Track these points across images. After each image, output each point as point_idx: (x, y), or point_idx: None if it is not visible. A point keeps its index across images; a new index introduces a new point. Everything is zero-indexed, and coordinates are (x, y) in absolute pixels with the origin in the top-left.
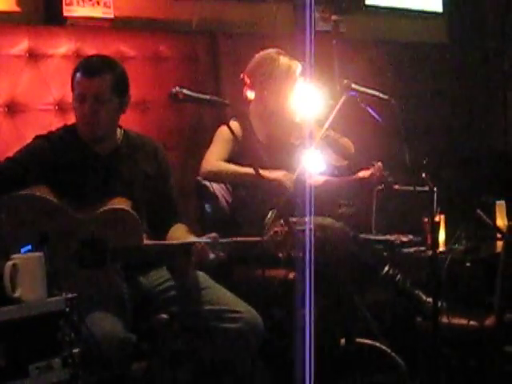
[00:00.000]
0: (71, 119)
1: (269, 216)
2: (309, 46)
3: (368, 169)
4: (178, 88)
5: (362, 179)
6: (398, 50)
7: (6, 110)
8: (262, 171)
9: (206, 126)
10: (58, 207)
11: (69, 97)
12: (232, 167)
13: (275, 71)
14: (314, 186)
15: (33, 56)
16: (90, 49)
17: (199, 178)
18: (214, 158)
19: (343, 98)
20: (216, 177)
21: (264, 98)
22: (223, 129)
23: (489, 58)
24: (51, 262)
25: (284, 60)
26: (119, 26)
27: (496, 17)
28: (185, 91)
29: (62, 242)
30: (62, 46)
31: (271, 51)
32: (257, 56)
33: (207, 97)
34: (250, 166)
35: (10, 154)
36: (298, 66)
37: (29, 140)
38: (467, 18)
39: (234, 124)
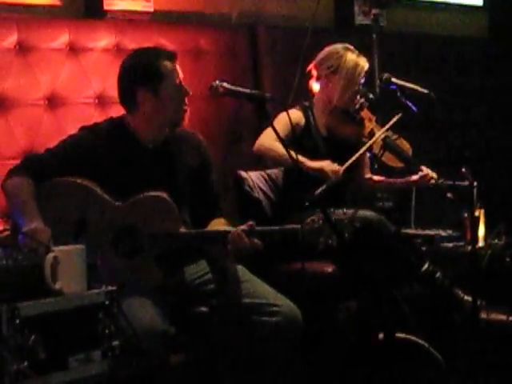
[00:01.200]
0: (111, 113)
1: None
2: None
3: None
4: (218, 82)
5: (412, 182)
6: (437, 44)
7: (47, 103)
8: (308, 161)
9: (245, 120)
10: (96, 194)
11: (109, 90)
12: (281, 149)
13: (341, 67)
14: (369, 185)
15: (73, 49)
16: (130, 42)
17: (253, 151)
18: (272, 138)
19: (398, 117)
20: (267, 153)
21: (326, 91)
22: (282, 115)
23: None
24: (89, 251)
25: (352, 56)
26: (159, 19)
27: None
28: (225, 85)
29: (99, 229)
30: (102, 40)
31: (339, 46)
32: (325, 49)
33: (247, 90)
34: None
35: (51, 146)
36: (365, 63)
37: (69, 133)
38: (508, 11)
39: (296, 113)
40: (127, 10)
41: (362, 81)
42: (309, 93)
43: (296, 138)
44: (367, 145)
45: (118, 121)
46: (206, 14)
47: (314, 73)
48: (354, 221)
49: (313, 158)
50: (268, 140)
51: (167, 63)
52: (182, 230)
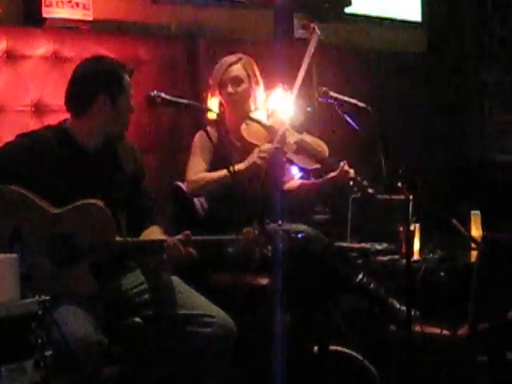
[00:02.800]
0: (48, 121)
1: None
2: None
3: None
4: (155, 92)
5: (332, 179)
6: (376, 59)
7: None
8: (236, 166)
9: (182, 130)
10: (32, 201)
11: (46, 98)
12: (209, 175)
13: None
14: (289, 190)
15: (11, 57)
16: (69, 51)
17: (187, 192)
18: (194, 172)
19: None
20: (200, 189)
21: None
22: (198, 137)
23: (466, 67)
24: (23, 259)
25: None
26: (98, 28)
27: (473, 26)
28: (163, 95)
29: (34, 237)
30: (41, 48)
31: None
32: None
33: (185, 101)
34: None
35: None
36: (226, 59)
37: (5, 141)
38: (445, 27)
39: (201, 134)
40: (66, 18)
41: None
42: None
43: (213, 153)
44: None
45: (58, 127)
46: (146, 23)
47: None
48: (289, 232)
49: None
50: (192, 178)
51: (127, 78)
52: (118, 238)
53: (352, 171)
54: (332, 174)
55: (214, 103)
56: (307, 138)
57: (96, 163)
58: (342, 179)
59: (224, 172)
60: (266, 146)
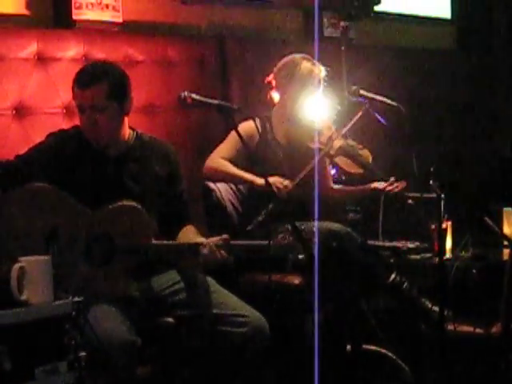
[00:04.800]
0: (79, 122)
1: (260, 218)
2: (317, 52)
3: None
4: (186, 92)
5: (375, 189)
6: (406, 57)
7: (15, 112)
8: (256, 178)
9: (213, 131)
10: (69, 201)
11: None
12: (232, 169)
13: (296, 75)
14: (330, 189)
15: (41, 59)
16: (99, 52)
17: (203, 172)
18: (219, 156)
19: (363, 110)
20: (215, 173)
21: (285, 101)
22: (239, 128)
23: (497, 64)
24: (59, 258)
25: (306, 65)
26: (128, 29)
27: (504, 23)
28: (193, 96)
29: (71, 237)
30: (71, 50)
31: (297, 55)
32: (283, 60)
33: (215, 101)
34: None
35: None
36: (320, 71)
37: (36, 142)
38: (476, 24)
39: (250, 124)
40: (96, 20)
41: (320, 89)
42: (270, 103)
43: (251, 151)
44: (322, 153)
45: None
46: (175, 24)
47: (273, 83)
48: (325, 240)
49: (272, 167)
50: (215, 159)
51: (75, 87)
52: (155, 241)
53: (406, 194)
54: (375, 185)
55: (275, 97)
56: (352, 142)
57: (117, 165)
58: (385, 193)
59: (245, 175)
60: (282, 179)
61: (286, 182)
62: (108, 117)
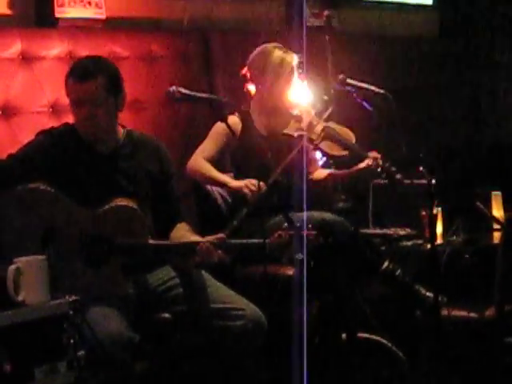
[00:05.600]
0: (65, 120)
1: (235, 222)
2: (301, 41)
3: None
4: (174, 87)
5: (363, 169)
6: (390, 44)
7: (1, 113)
8: (231, 180)
9: (200, 125)
10: (64, 201)
11: (63, 99)
12: (211, 172)
13: (268, 65)
14: (317, 180)
15: (26, 58)
16: (83, 50)
17: (186, 169)
18: (203, 155)
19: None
20: (195, 175)
21: (260, 92)
22: (218, 125)
23: (479, 50)
24: (55, 258)
25: (278, 53)
26: (111, 26)
27: (485, 9)
28: (182, 90)
29: (67, 237)
30: (55, 48)
31: (268, 45)
32: (254, 51)
33: (204, 95)
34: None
35: (5, 156)
36: (293, 59)
37: (23, 142)
38: (457, 11)
39: (233, 119)
40: (79, 17)
41: (295, 76)
42: (247, 96)
43: (235, 146)
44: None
45: (72, 127)
46: (158, 19)
47: (248, 75)
48: (318, 236)
49: (257, 160)
50: (196, 160)
51: (70, 81)
52: (151, 240)
53: (387, 164)
54: (362, 165)
55: (252, 89)
56: (334, 125)
57: (109, 163)
58: (373, 168)
59: (220, 179)
60: (255, 181)
61: (255, 183)
62: (106, 111)
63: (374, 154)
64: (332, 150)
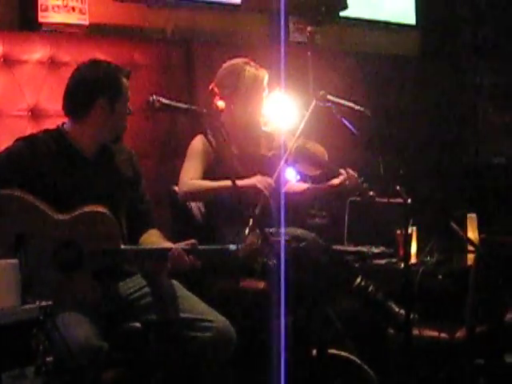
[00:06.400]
0: (45, 125)
1: (246, 231)
2: (283, 56)
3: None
4: (155, 96)
5: (337, 186)
6: (372, 62)
7: None
8: (237, 181)
9: (180, 135)
10: (36, 207)
11: (43, 103)
12: (207, 184)
13: (241, 83)
14: (294, 193)
15: (7, 61)
16: (65, 55)
17: (179, 199)
18: (189, 177)
19: (312, 105)
20: (194, 196)
21: (232, 108)
22: (195, 143)
23: (461, 71)
24: (26, 264)
25: (250, 70)
26: (94, 32)
27: (468, 30)
28: (162, 100)
29: (38, 243)
30: (37, 52)
31: (238, 61)
32: (224, 66)
33: (184, 105)
34: (225, 178)
35: None
36: (265, 75)
37: (2, 146)
38: (440, 31)
39: (200, 139)
40: (62, 22)
41: (265, 93)
42: (216, 111)
43: (210, 165)
44: (285, 155)
45: (56, 131)
46: (141, 28)
47: (217, 91)
48: (291, 242)
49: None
50: (187, 183)
51: (125, 81)
52: (122, 246)
53: (360, 180)
54: (340, 180)
55: (220, 105)
56: (306, 143)
57: (94, 167)
58: (346, 185)
59: (226, 183)
60: (263, 177)
61: (268, 179)
62: None
63: (348, 171)
64: (305, 168)
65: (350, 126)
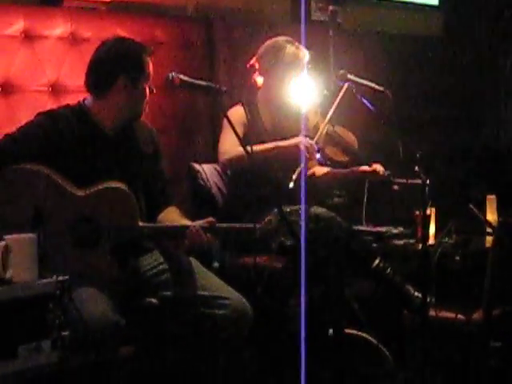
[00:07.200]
0: (65, 101)
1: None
2: (304, 35)
3: (369, 166)
4: (174, 73)
5: (364, 172)
6: (393, 42)
7: (1, 90)
8: (280, 142)
9: (199, 112)
10: (56, 183)
11: (63, 79)
12: (255, 147)
13: (281, 60)
14: (316, 176)
15: (28, 37)
16: (86, 31)
17: (221, 169)
18: (229, 145)
19: (343, 91)
20: (238, 163)
21: (270, 85)
22: (233, 112)
23: (483, 52)
24: (44, 239)
25: (291, 49)
26: (115, 9)
27: (491, 11)
28: (181, 77)
29: (56, 218)
30: (58, 28)
31: (280, 39)
32: (266, 43)
33: (204, 83)
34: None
35: (2, 135)
36: (305, 55)
37: (22, 121)
38: (463, 11)
39: (239, 109)
40: None
41: (305, 73)
42: (254, 87)
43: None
44: (316, 137)
45: (77, 107)
46: (163, 4)
47: (257, 66)
48: (309, 222)
49: None
50: (229, 150)
51: (147, 58)
52: (141, 223)
53: (387, 173)
54: (363, 168)
55: (259, 81)
56: (338, 129)
57: (115, 144)
58: (373, 177)
59: (265, 146)
60: (312, 142)
61: (312, 142)
62: None
63: (376, 166)
64: (334, 154)
65: (370, 106)
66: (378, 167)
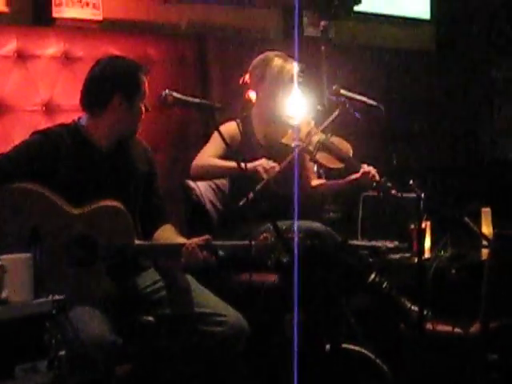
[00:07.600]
0: (59, 120)
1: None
2: (297, 51)
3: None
4: (167, 91)
5: (354, 181)
6: (385, 57)
7: None
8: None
9: (193, 130)
10: (51, 201)
11: (57, 98)
12: (216, 162)
13: (268, 72)
14: (310, 187)
15: (21, 56)
16: (79, 50)
17: (190, 174)
18: (206, 155)
19: (340, 109)
20: (203, 171)
21: (261, 99)
22: (224, 127)
23: (476, 65)
24: (40, 259)
25: (278, 61)
26: (108, 27)
27: (483, 24)
28: (175, 94)
29: (52, 237)
30: (51, 47)
31: (270, 53)
32: (257, 58)
33: (197, 100)
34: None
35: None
36: (293, 67)
37: (16, 141)
38: (454, 25)
39: (232, 124)
40: (76, 17)
41: (294, 84)
42: (248, 103)
43: (233, 153)
44: (300, 147)
45: (72, 126)
46: (156, 22)
47: (248, 82)
48: (305, 239)
49: None
50: (202, 159)
51: (143, 77)
52: (137, 241)
53: (375, 172)
54: (355, 176)
55: (252, 97)
56: (332, 138)
57: (110, 162)
58: (365, 181)
59: (233, 164)
60: (274, 164)
61: (272, 164)
62: None
63: (369, 167)
64: (328, 162)
65: (363, 121)
66: (369, 168)
